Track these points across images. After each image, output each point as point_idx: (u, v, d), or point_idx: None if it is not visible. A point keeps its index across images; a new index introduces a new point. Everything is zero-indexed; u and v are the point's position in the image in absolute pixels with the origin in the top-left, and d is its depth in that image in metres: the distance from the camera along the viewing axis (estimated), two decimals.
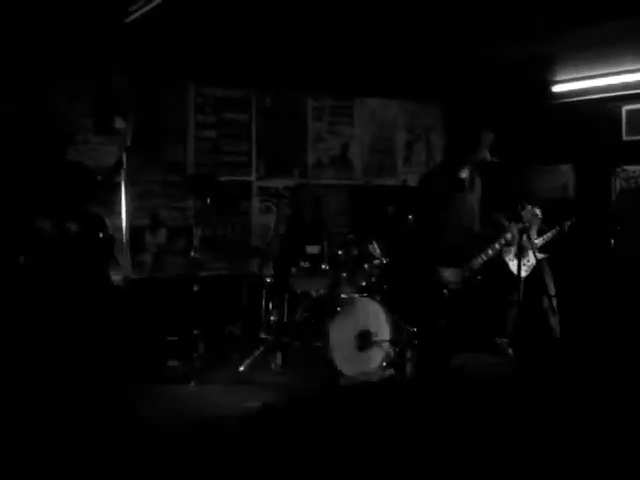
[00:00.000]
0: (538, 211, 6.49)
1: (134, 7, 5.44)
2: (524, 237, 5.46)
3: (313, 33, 6.34)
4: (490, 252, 5.48)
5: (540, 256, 6.51)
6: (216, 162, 7.42)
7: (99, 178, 5.25)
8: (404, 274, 5.89)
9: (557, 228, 6.81)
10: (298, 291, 6.30)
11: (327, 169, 8.21)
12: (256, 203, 7.66)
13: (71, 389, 4.64)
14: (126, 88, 6.78)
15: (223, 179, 7.20)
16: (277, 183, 7.74)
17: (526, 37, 6.48)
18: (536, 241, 6.59)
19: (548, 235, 6.80)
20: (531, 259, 6.49)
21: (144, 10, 5.42)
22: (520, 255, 5.63)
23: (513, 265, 6.42)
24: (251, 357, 6.04)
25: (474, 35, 6.47)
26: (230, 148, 7.54)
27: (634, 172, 7.39)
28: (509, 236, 5.46)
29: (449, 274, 5.32)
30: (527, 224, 5.39)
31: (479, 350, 6.34)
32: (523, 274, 6.42)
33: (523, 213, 5.34)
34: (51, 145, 5.08)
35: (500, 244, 5.50)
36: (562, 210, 7.27)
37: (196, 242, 6.26)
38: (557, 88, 7.70)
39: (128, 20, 5.59)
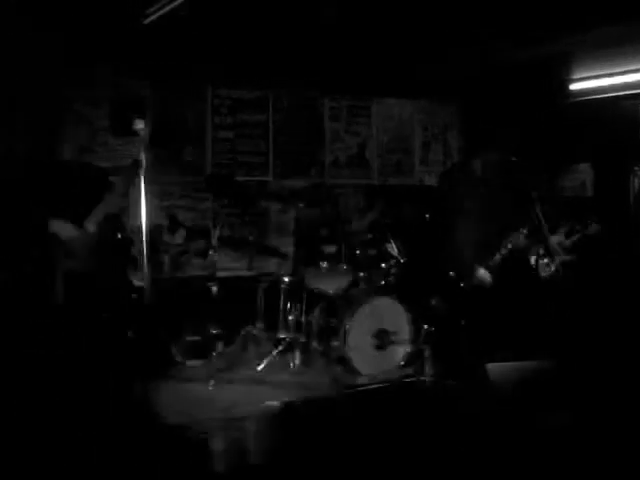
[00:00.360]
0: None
1: (152, 9, 5.47)
2: (544, 235, 5.45)
3: (329, 33, 6.35)
4: (506, 249, 5.47)
5: (564, 258, 6.45)
6: (233, 162, 7.45)
7: (115, 179, 5.27)
8: (422, 273, 5.89)
9: (583, 230, 6.73)
10: (316, 291, 6.32)
11: (344, 169, 8.22)
12: (274, 203, 7.67)
13: (87, 390, 4.66)
14: (144, 90, 6.82)
15: (240, 179, 7.24)
16: (294, 183, 7.76)
17: (542, 36, 6.47)
18: (566, 241, 6.53)
19: (575, 237, 6.73)
20: (556, 260, 6.42)
21: (161, 12, 5.45)
22: (539, 254, 5.61)
23: (540, 264, 6.37)
24: (269, 356, 6.06)
25: (489, 34, 6.45)
26: (247, 148, 7.56)
27: None
28: (525, 231, 5.45)
29: (482, 273, 5.34)
30: (542, 221, 5.37)
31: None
32: (543, 274, 6.37)
33: (537, 210, 5.31)
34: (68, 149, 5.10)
35: (515, 240, 5.49)
36: (582, 209, 7.21)
37: (214, 242, 6.29)
38: (575, 86, 7.67)
39: (146, 22, 5.62)
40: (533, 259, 6.43)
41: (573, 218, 6.72)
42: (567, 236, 6.71)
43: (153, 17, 5.57)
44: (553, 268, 6.56)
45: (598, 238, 6.74)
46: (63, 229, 4.73)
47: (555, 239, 6.16)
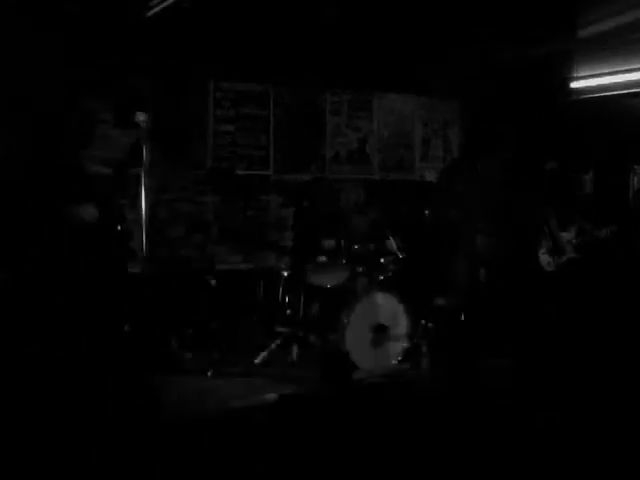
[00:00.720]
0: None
1: (155, 1, 5.48)
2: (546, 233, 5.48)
3: (330, 30, 6.35)
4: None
5: (572, 255, 6.45)
6: (234, 156, 7.45)
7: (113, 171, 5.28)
8: (421, 269, 5.90)
9: (593, 232, 6.73)
10: (315, 285, 6.33)
11: (345, 164, 8.22)
12: (274, 197, 7.68)
13: (87, 388, 4.67)
14: (146, 83, 6.82)
15: (241, 173, 7.24)
16: (295, 177, 7.76)
17: (542, 36, 6.47)
18: (575, 240, 6.54)
19: (584, 236, 6.74)
20: (564, 256, 6.43)
21: (165, 4, 5.46)
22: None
23: (543, 259, 6.39)
24: (267, 350, 6.07)
25: (489, 34, 6.46)
26: (248, 142, 7.56)
27: None
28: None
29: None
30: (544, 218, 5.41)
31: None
32: (549, 269, 6.38)
33: (539, 207, 5.34)
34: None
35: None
36: (590, 208, 7.19)
37: (214, 236, 6.30)
38: (576, 84, 7.67)
39: (149, 14, 5.63)
40: (543, 252, 6.44)
41: (582, 216, 6.73)
42: (577, 235, 6.73)
43: (156, 9, 5.57)
44: (560, 261, 6.57)
45: (606, 240, 6.74)
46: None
47: (566, 236, 6.18)
